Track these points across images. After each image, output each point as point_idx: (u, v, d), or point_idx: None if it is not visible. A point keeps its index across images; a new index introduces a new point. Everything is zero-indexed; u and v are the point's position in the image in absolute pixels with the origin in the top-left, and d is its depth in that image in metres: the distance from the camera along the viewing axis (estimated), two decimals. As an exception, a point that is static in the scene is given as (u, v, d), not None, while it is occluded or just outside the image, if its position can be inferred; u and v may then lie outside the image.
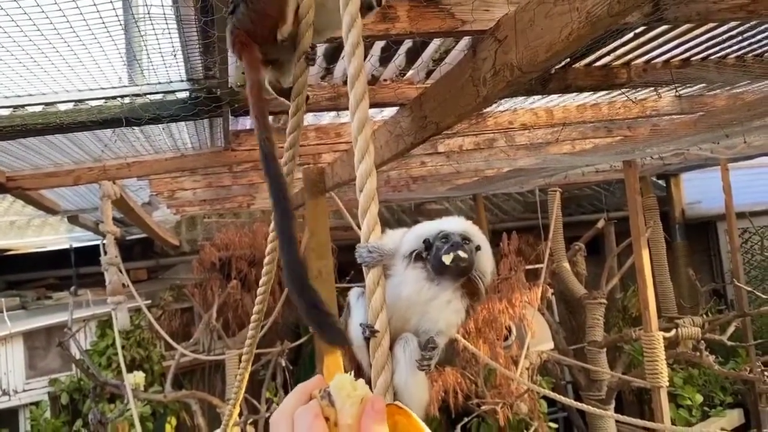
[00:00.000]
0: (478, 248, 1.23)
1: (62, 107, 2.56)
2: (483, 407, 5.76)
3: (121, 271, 3.70)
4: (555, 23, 1.62)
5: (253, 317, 2.02)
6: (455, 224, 1.24)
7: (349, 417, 0.79)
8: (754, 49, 3.13)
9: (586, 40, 1.65)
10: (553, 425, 6.71)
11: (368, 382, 0.96)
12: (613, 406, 6.89)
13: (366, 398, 0.81)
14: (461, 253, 1.16)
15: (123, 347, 6.25)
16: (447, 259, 1.15)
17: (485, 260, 1.25)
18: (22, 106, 2.49)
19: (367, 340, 1.09)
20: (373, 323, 1.07)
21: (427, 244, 1.19)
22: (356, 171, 1.11)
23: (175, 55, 1.97)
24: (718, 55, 3.16)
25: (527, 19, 1.77)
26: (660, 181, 9.76)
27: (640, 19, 2.16)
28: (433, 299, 1.18)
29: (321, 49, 2.20)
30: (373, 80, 2.78)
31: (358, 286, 1.23)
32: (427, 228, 1.24)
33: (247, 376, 2.45)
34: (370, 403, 0.81)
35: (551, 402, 7.48)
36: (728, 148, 6.04)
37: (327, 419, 0.79)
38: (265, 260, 1.85)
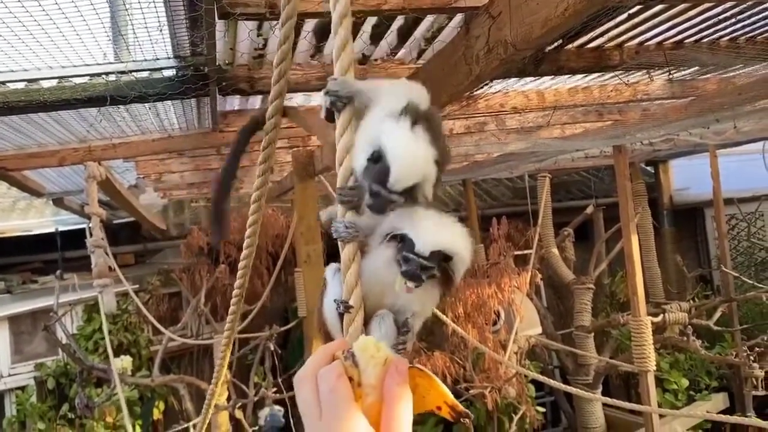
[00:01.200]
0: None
1: (45, 84, 2.50)
2: (471, 391, 5.78)
3: (107, 254, 3.65)
4: (551, -2, 1.59)
5: (233, 299, 1.99)
6: (426, 236, 1.08)
7: (372, 377, 0.80)
8: (747, 32, 3.12)
9: (583, 15, 1.62)
10: (541, 409, 6.75)
11: None
12: (600, 390, 6.94)
13: (389, 359, 0.82)
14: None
15: (110, 332, 6.20)
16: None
17: (459, 262, 1.13)
18: (4, 82, 2.43)
19: (341, 316, 1.06)
20: (348, 299, 1.04)
21: (401, 237, 1.10)
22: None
23: (161, 30, 1.92)
24: (712, 37, 3.14)
25: (522, -6, 1.74)
26: (648, 168, 9.80)
27: (635, -3, 2.13)
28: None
29: (310, 24, 2.16)
30: (364, 59, 2.74)
31: (334, 263, 1.19)
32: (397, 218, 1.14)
33: (228, 354, 2.43)
34: (393, 365, 0.81)
35: (539, 386, 7.53)
36: (717, 134, 6.04)
37: (351, 379, 0.79)
38: (245, 243, 1.82)
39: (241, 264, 1.88)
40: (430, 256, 1.06)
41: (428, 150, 1.07)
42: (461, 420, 0.93)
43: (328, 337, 1.16)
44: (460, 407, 0.92)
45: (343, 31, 1.09)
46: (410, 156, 1.06)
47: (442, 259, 1.08)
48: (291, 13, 1.34)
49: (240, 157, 1.56)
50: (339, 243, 1.07)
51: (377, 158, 1.06)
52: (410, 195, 1.08)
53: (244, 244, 1.83)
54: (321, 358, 0.84)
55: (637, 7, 2.57)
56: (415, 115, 1.08)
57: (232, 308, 2.02)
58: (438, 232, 1.09)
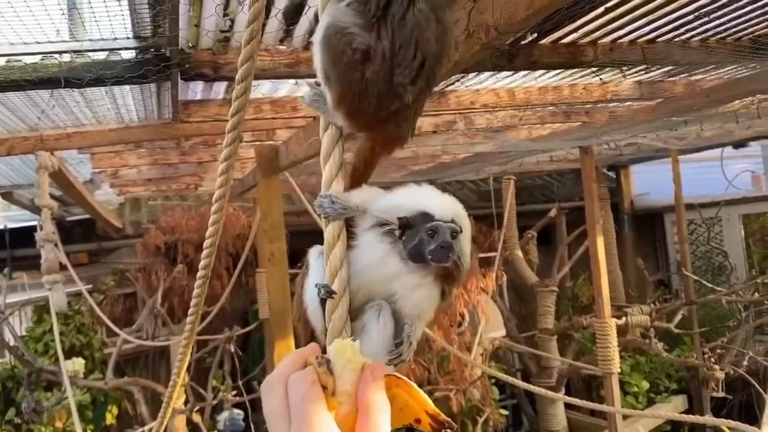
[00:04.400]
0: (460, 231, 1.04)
1: (-8, 63, 2.33)
2: (436, 393, 5.71)
3: (58, 248, 3.46)
4: (538, -23, 1.52)
5: (193, 301, 1.89)
6: (444, 208, 1.02)
7: (348, 383, 0.73)
8: (719, 32, 3.13)
9: (569, -3, 1.55)
10: (504, 412, 6.73)
11: (322, 350, 0.87)
12: (563, 393, 6.95)
13: (366, 365, 0.75)
14: (451, 256, 0.98)
15: (62, 333, 5.95)
16: (433, 260, 0.97)
17: (466, 243, 1.06)
18: (-55, 60, 2.26)
19: (323, 302, 0.96)
20: (331, 283, 0.94)
21: (404, 223, 1.00)
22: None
23: (119, 0, 1.78)
24: (683, 36, 3.14)
25: (506, -26, 1.67)
26: (610, 173, 9.91)
27: (617, -14, 2.08)
28: (396, 278, 1.01)
29: (282, 3, 2.04)
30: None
31: (319, 246, 1.07)
32: (407, 202, 1.03)
33: (187, 359, 2.31)
34: (369, 371, 0.74)
35: (501, 389, 7.52)
36: (679, 139, 6.13)
37: (324, 388, 0.72)
38: (205, 243, 1.72)
39: (201, 264, 1.77)
40: (453, 219, 1.00)
41: None
42: (444, 430, 0.84)
43: (306, 329, 1.05)
44: (443, 416, 0.83)
45: None
46: None
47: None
48: None
49: None
50: (323, 220, 0.97)
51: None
52: None
53: (205, 244, 1.73)
54: (292, 363, 0.77)
55: (615, 1, 2.54)
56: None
57: (191, 310, 1.91)
58: (441, 199, 1.03)
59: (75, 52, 2.29)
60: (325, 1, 1.01)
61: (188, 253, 7.88)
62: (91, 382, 6.14)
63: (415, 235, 0.99)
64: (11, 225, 7.37)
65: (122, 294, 7.91)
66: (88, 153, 4.45)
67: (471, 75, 3.44)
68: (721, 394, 5.97)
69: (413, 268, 1.01)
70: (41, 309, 6.76)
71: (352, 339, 0.79)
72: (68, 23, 2.14)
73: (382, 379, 0.75)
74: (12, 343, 5.85)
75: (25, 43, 2.23)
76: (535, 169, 7.88)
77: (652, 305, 6.83)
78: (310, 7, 2.09)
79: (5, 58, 2.31)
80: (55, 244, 3.40)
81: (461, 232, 1.03)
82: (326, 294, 0.94)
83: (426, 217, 1.00)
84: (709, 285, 7.40)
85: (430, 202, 1.03)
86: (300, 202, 5.72)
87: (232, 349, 7.01)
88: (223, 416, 6.84)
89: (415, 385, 0.80)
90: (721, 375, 5.74)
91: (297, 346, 1.11)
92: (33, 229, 6.01)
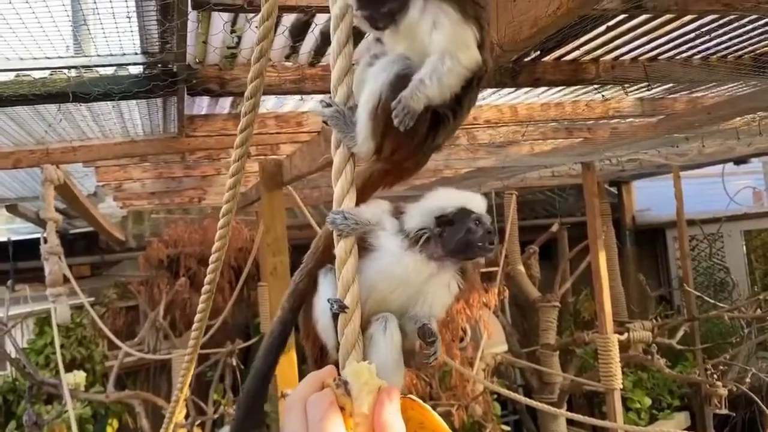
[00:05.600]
0: None
1: (1, 78, 2.35)
2: (438, 409, 5.68)
3: (61, 260, 3.47)
4: (542, -4, 1.54)
5: (197, 315, 1.90)
6: (479, 201, 1.09)
7: (365, 405, 0.75)
8: (720, 51, 3.15)
9: (574, 15, 1.58)
10: (506, 428, 6.69)
11: (336, 366, 0.89)
12: (565, 409, 6.92)
13: (382, 387, 0.78)
14: (495, 242, 1.06)
15: (63, 346, 5.94)
16: (481, 248, 1.04)
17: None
18: (-44, 74, 2.28)
19: (335, 316, 0.97)
20: (343, 298, 0.95)
21: (444, 221, 1.05)
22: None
23: (129, 17, 1.81)
24: (685, 54, 3.17)
25: (510, -7, 1.69)
26: (612, 188, 9.92)
27: (619, 5, 2.11)
28: (431, 279, 1.05)
29: (288, 19, 2.07)
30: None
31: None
32: (442, 203, 1.08)
33: (190, 374, 2.32)
34: (385, 393, 0.77)
35: (503, 405, 7.49)
36: (681, 155, 6.15)
37: (342, 409, 0.75)
38: (212, 258, 1.74)
39: (207, 279, 1.79)
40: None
41: None
42: None
43: (315, 345, 1.07)
44: None
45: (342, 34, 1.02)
46: None
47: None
48: (273, 7, 1.24)
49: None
50: (335, 235, 0.98)
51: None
52: None
53: (211, 259, 1.75)
54: (310, 384, 0.80)
55: (616, 19, 2.57)
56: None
57: (195, 325, 1.93)
58: (472, 195, 1.10)
59: (84, 67, 2.31)
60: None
61: (190, 267, 7.88)
62: (92, 396, 6.12)
63: (460, 229, 1.04)
64: (14, 237, 7.38)
65: (124, 307, 7.91)
66: (92, 166, 4.47)
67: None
68: (724, 411, 5.95)
69: (446, 267, 1.06)
70: (43, 321, 6.76)
71: (368, 362, 0.82)
72: (77, 39, 2.17)
73: (398, 401, 0.78)
74: (14, 355, 5.84)
75: (35, 58, 2.26)
76: (537, 184, 7.89)
77: (654, 321, 6.81)
78: (316, 25, 2.12)
79: (15, 73, 2.33)
80: (60, 257, 3.41)
81: None
82: (339, 309, 0.95)
83: (466, 211, 1.06)
84: (711, 301, 7.39)
85: (465, 198, 1.09)
86: (303, 216, 5.75)
87: (234, 363, 6.99)
88: (223, 430, 6.81)
89: (429, 408, 0.83)
90: (724, 392, 5.72)
91: (304, 363, 1.12)
92: (36, 241, 6.03)
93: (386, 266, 1.03)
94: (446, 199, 1.09)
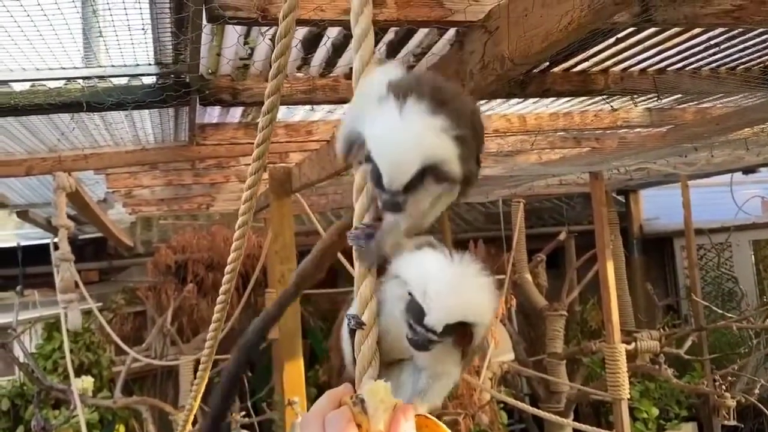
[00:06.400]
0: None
1: (17, 87, 2.39)
2: (444, 418, 5.67)
3: (72, 267, 3.50)
4: (554, 12, 1.55)
5: (212, 325, 1.91)
6: (439, 305, 0.92)
7: (380, 423, 0.77)
8: (728, 62, 3.16)
9: (586, 30, 1.59)
10: (513, 437, 6.68)
11: (350, 381, 0.91)
12: (571, 418, 6.89)
13: (398, 405, 0.80)
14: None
15: (71, 351, 5.97)
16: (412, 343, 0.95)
17: (479, 326, 0.99)
18: (-27, 84, 2.32)
19: (352, 332, 0.97)
20: (361, 314, 0.94)
21: (411, 304, 0.95)
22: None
23: (144, 30, 1.84)
24: (693, 66, 3.17)
25: (522, 8, 1.71)
26: (620, 197, 9.91)
27: (629, 19, 2.12)
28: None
29: (300, 33, 2.09)
30: (351, 74, 2.69)
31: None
32: (414, 275, 0.96)
33: (204, 383, 2.34)
34: (400, 411, 0.79)
35: (509, 414, 7.46)
36: (689, 165, 6.14)
37: (359, 426, 0.77)
38: (227, 268, 1.74)
39: (222, 289, 1.80)
40: (443, 330, 0.91)
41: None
42: None
43: (338, 357, 1.08)
44: None
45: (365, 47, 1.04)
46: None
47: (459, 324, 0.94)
48: (290, 25, 1.25)
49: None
50: (354, 252, 0.98)
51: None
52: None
53: (226, 269, 1.74)
54: (328, 402, 0.82)
55: (626, 31, 2.58)
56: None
57: (210, 335, 1.95)
58: (454, 295, 0.92)
59: (98, 77, 2.34)
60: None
61: (198, 273, 7.91)
62: (100, 401, 6.14)
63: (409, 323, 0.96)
64: (24, 242, 7.43)
65: (132, 312, 7.93)
66: (103, 173, 4.51)
67: (482, 101, 3.48)
68: (733, 423, 5.91)
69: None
70: (51, 326, 6.79)
71: (384, 380, 0.83)
72: (91, 50, 2.20)
73: (413, 419, 0.79)
74: (22, 360, 5.87)
75: (50, 69, 2.29)
76: (545, 192, 7.89)
77: (662, 331, 6.78)
78: (329, 38, 2.14)
79: (30, 83, 2.37)
80: (71, 264, 3.44)
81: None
82: (356, 325, 0.95)
83: (420, 311, 0.93)
84: (719, 311, 7.35)
85: (429, 289, 0.93)
86: (310, 223, 5.76)
87: (241, 370, 6.99)
88: (230, 437, 6.81)
89: (443, 425, 0.84)
90: (732, 403, 5.69)
91: (311, 370, 1.13)
92: (45, 246, 6.08)
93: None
94: (416, 273, 0.97)
